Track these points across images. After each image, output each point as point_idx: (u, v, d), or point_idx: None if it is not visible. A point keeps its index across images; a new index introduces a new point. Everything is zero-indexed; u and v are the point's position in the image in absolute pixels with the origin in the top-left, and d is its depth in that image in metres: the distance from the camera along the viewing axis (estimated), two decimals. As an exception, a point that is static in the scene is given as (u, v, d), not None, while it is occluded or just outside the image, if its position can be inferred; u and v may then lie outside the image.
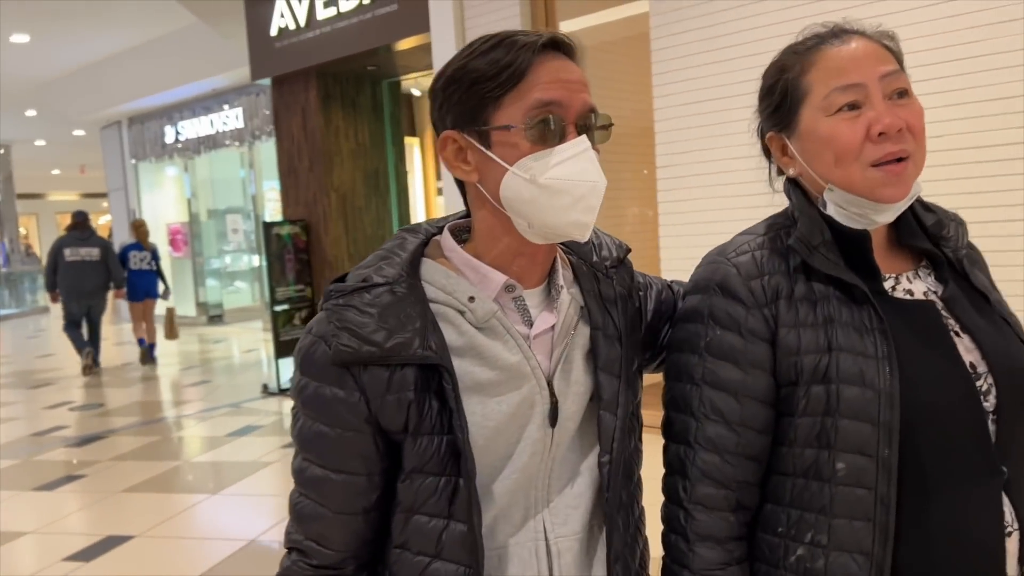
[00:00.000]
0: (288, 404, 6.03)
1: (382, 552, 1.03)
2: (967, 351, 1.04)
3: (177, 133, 12.42)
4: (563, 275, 1.04)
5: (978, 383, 1.01)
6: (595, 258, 1.10)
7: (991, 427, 1.00)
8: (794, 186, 1.11)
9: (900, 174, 1.01)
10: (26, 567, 3.61)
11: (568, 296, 1.03)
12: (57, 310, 9.41)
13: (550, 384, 0.99)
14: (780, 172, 1.15)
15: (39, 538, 4.00)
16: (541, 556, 1.00)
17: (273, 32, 6.78)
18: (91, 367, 8.64)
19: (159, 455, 5.44)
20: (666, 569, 1.09)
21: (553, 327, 1.01)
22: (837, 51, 1.03)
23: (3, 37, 9.94)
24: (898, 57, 1.06)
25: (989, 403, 1.01)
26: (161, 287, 9.37)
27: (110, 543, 3.82)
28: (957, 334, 1.05)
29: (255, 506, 4.37)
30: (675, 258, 4.58)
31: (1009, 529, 1.00)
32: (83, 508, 4.45)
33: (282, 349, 6.99)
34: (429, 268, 1.00)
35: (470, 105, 0.94)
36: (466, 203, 1.04)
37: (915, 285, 1.09)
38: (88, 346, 8.70)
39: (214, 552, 3.67)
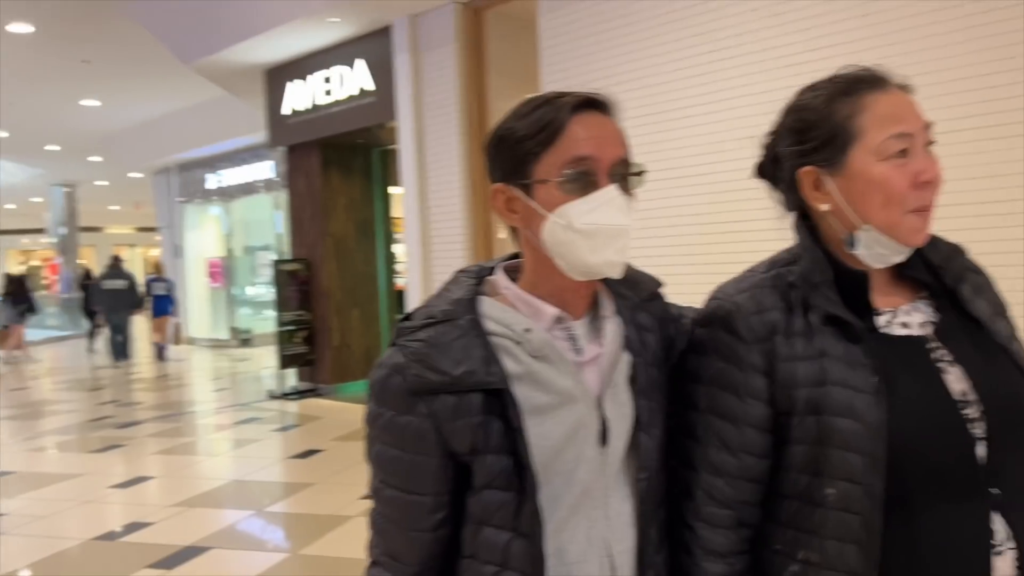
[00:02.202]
0: (285, 405, 7.82)
1: (451, 565, 1.09)
2: (957, 381, 1.06)
3: (218, 180, 14.37)
4: (607, 307, 1.11)
5: (967, 411, 1.03)
6: (633, 291, 1.16)
7: (981, 452, 1.02)
8: (802, 224, 1.14)
9: (928, 221, 1.06)
10: (78, 493, 5.36)
11: (612, 326, 1.10)
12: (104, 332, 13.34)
13: (600, 406, 1.05)
14: (790, 205, 1.17)
15: (90, 478, 5.74)
16: (605, 570, 1.05)
17: (286, 111, 8.64)
18: (119, 361, 12.54)
19: (181, 434, 7.20)
20: None
21: (599, 355, 1.07)
22: (888, 98, 1.06)
23: (77, 101, 12.04)
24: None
25: (979, 430, 1.03)
26: (172, 308, 13.29)
27: (140, 479, 5.56)
28: (949, 365, 1.07)
29: (241, 457, 6.07)
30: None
31: (1000, 548, 1.02)
32: (124, 462, 6.21)
33: (285, 361, 8.74)
34: (486, 304, 1.06)
35: (515, 161, 1.03)
36: (518, 246, 1.12)
37: (913, 317, 1.12)
38: (122, 354, 12.61)
39: (201, 484, 5.38)
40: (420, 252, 7.42)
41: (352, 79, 7.84)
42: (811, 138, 1.09)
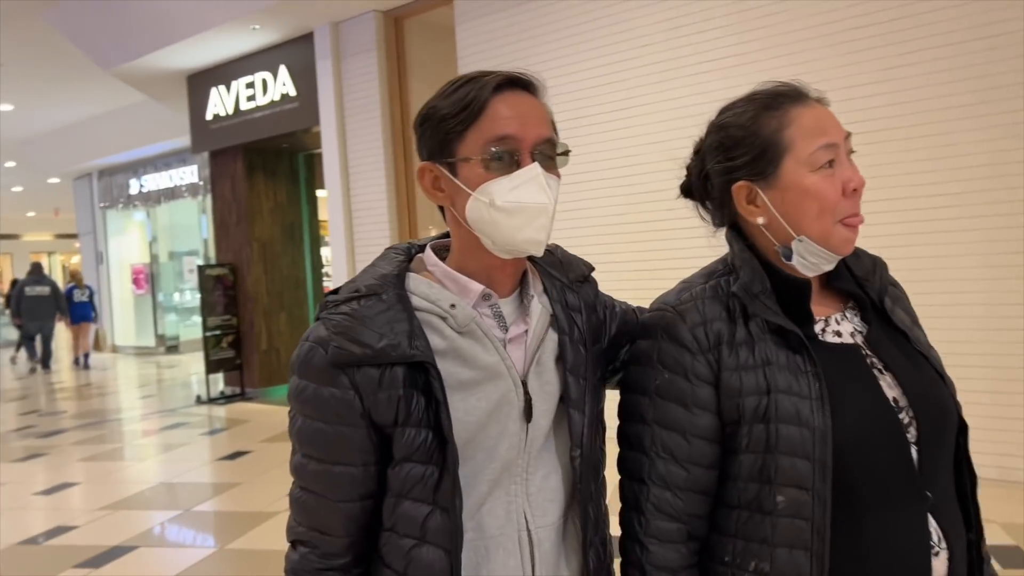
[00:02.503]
0: (213, 410, 7.85)
1: (375, 541, 1.09)
2: (889, 387, 1.09)
3: (141, 185, 14.12)
4: (534, 286, 1.12)
5: (900, 416, 1.07)
6: (563, 273, 1.17)
7: (915, 456, 1.06)
8: (736, 236, 1.15)
9: (856, 229, 1.09)
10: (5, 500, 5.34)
11: (539, 305, 1.10)
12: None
13: (524, 383, 1.06)
14: (722, 220, 1.18)
15: (12, 486, 5.71)
16: (524, 545, 1.06)
17: (208, 117, 8.66)
18: (35, 369, 12.81)
19: (106, 441, 7.18)
20: None
21: (526, 332, 1.08)
22: (810, 111, 1.09)
23: (-11, 107, 11.75)
24: None
25: (911, 434, 1.06)
26: (93, 315, 13.67)
27: (65, 485, 5.57)
28: (880, 372, 1.10)
29: (167, 461, 6.12)
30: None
31: (936, 549, 1.05)
32: (48, 470, 6.19)
33: (212, 366, 8.75)
34: (414, 280, 1.07)
35: (439, 140, 1.04)
36: (446, 225, 1.12)
37: (843, 326, 1.14)
38: (36, 355, 13.02)
39: (131, 487, 5.43)
40: (346, 255, 7.56)
41: (275, 85, 7.93)
42: (741, 153, 1.11)
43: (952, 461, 1.13)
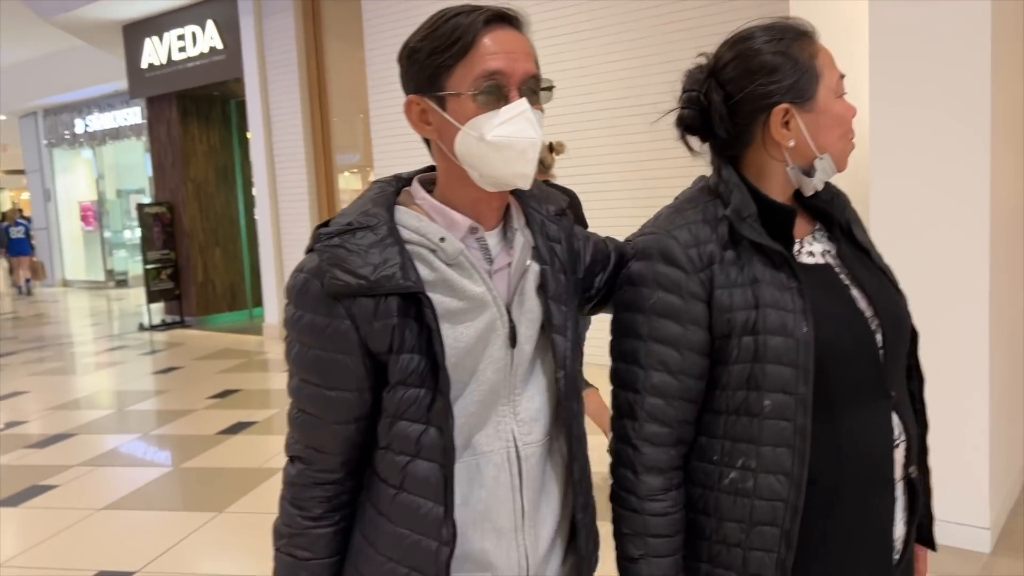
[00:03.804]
0: (154, 335, 8.74)
1: (368, 458, 1.15)
2: (858, 300, 1.19)
3: (86, 125, 14.60)
4: (517, 219, 1.16)
5: (870, 326, 1.18)
6: (542, 205, 1.21)
7: (882, 360, 1.17)
8: (727, 164, 1.22)
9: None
10: (-34, 404, 6.24)
11: (522, 237, 1.14)
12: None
13: (509, 311, 1.11)
14: (734, 148, 1.22)
15: (-27, 395, 6.61)
16: (512, 460, 1.12)
17: (144, 66, 9.34)
18: None
19: (54, 360, 8.06)
20: (614, 496, 1.22)
21: (510, 264, 1.12)
22: (822, 46, 1.19)
23: (-67, 47, 12.16)
24: None
25: (878, 340, 1.18)
26: (30, 248, 15.66)
27: (16, 393, 6.48)
28: (849, 286, 1.20)
29: (109, 375, 7.05)
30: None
31: (897, 441, 1.18)
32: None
33: (152, 297, 9.62)
34: (403, 213, 1.10)
35: (427, 73, 1.04)
36: (433, 158, 1.15)
37: (815, 247, 1.24)
38: None
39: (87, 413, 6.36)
40: (268, 195, 8.43)
41: (204, 38, 8.64)
42: (784, 76, 1.15)
43: (905, 366, 1.26)
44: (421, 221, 1.09)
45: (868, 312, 1.19)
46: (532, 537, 1.15)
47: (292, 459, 1.16)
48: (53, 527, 3.71)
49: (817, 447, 1.13)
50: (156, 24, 9.07)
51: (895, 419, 1.18)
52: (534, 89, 1.06)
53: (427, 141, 1.14)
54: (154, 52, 9.20)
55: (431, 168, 1.17)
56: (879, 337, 1.18)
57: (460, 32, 1.02)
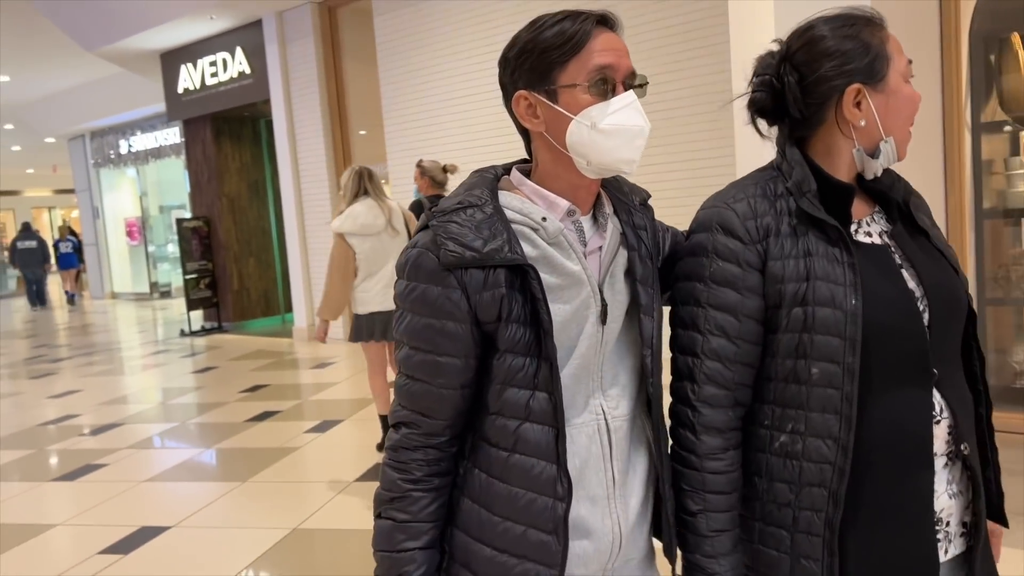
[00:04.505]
0: (194, 340, 9.45)
1: (471, 422, 1.21)
2: (910, 279, 1.23)
3: (130, 145, 15.47)
4: (608, 206, 1.23)
5: (918, 305, 1.21)
6: (629, 196, 1.29)
7: (927, 338, 1.20)
8: (793, 144, 1.26)
9: None
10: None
11: (612, 224, 1.22)
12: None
13: (601, 291, 1.18)
14: (809, 126, 1.26)
15: (30, 395, 7.33)
16: (603, 432, 1.18)
17: (180, 91, 10.09)
18: (35, 307, 16.33)
19: (106, 363, 8.81)
20: (675, 455, 1.27)
21: (601, 247, 1.20)
22: (889, 32, 1.23)
23: (-12, 78, 13.12)
24: None
25: (924, 319, 1.20)
26: (79, 262, 17.55)
27: (71, 392, 7.19)
28: (902, 266, 1.24)
29: (151, 375, 7.74)
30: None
31: (938, 418, 1.21)
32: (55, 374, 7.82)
33: (192, 305, 10.36)
34: (506, 196, 1.17)
35: (540, 69, 1.12)
36: (528, 151, 1.23)
37: (872, 228, 1.27)
38: (37, 302, 16.79)
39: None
40: (295, 208, 9.09)
41: (233, 64, 9.35)
42: (858, 57, 1.19)
43: (961, 345, 1.29)
44: (524, 203, 1.16)
45: (918, 292, 1.22)
46: (623, 506, 1.20)
47: (396, 426, 1.21)
48: (103, 496, 4.35)
49: (860, 418, 1.16)
50: (190, 52, 9.81)
51: (936, 396, 1.21)
52: (633, 84, 1.15)
53: (525, 134, 1.23)
54: (189, 78, 9.94)
55: (523, 161, 1.26)
56: (926, 316, 1.21)
57: (573, 30, 1.10)
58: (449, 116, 7.36)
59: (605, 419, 1.19)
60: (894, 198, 1.28)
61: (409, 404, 1.19)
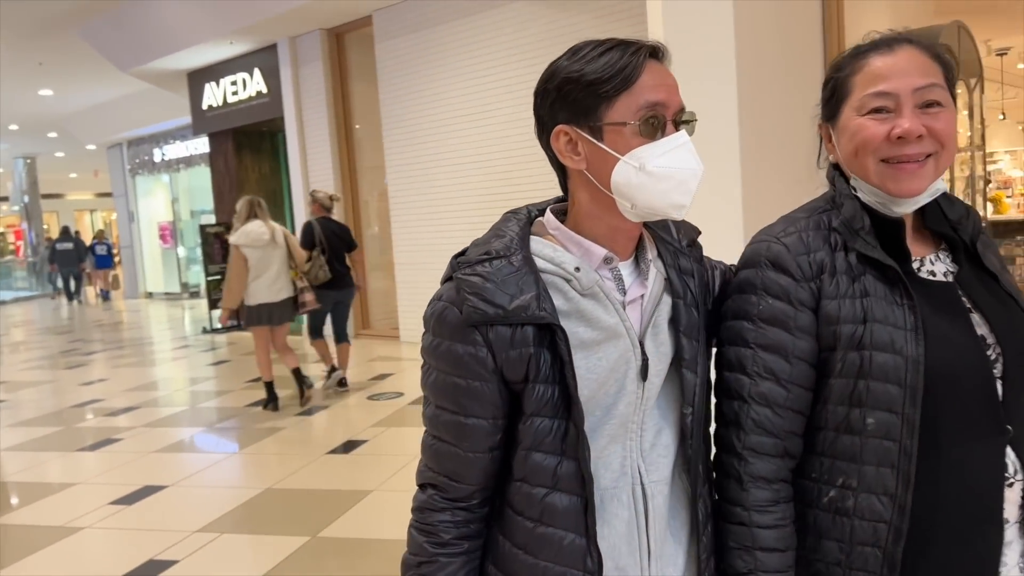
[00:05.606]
0: (215, 337, 10.31)
1: (500, 487, 1.14)
2: (978, 325, 1.13)
3: (163, 154, 16.48)
4: (650, 250, 1.15)
5: (988, 352, 1.11)
6: (674, 237, 1.20)
7: (999, 390, 1.10)
8: (839, 173, 1.19)
9: (913, 172, 1.11)
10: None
11: (655, 269, 1.13)
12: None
13: (642, 344, 1.09)
14: (821, 159, 1.25)
15: (63, 383, 8.21)
16: (638, 498, 1.10)
17: (204, 107, 10.99)
18: (71, 301, 18.30)
19: (133, 356, 9.70)
20: (720, 510, 1.17)
21: (643, 296, 1.11)
22: (881, 60, 1.12)
23: (36, 92, 14.19)
24: (947, 67, 1.13)
25: (997, 370, 1.10)
26: (112, 263, 19.43)
27: (100, 380, 8.07)
28: (970, 310, 1.14)
29: (172, 367, 8.57)
30: (406, 250, 8.72)
31: (1012, 480, 1.10)
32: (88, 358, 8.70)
33: (213, 304, 11.19)
34: (538, 243, 1.10)
35: (585, 103, 1.03)
36: (564, 188, 1.14)
37: (936, 267, 1.18)
38: (74, 295, 18.78)
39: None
40: (306, 215, 9.86)
41: (252, 83, 10.21)
42: (824, 95, 1.19)
43: None
44: (556, 251, 1.09)
45: (989, 338, 1.13)
46: None
47: (422, 486, 1.16)
48: (117, 463, 5.17)
49: (919, 476, 1.08)
50: (214, 72, 10.70)
51: (1011, 455, 1.11)
52: (683, 120, 1.06)
53: (561, 171, 1.13)
54: (212, 95, 10.83)
55: (559, 200, 1.18)
56: (999, 366, 1.12)
57: (623, 63, 1.02)
58: (444, 136, 8.11)
59: (642, 484, 1.11)
60: (961, 237, 1.20)
61: (436, 466, 1.15)
